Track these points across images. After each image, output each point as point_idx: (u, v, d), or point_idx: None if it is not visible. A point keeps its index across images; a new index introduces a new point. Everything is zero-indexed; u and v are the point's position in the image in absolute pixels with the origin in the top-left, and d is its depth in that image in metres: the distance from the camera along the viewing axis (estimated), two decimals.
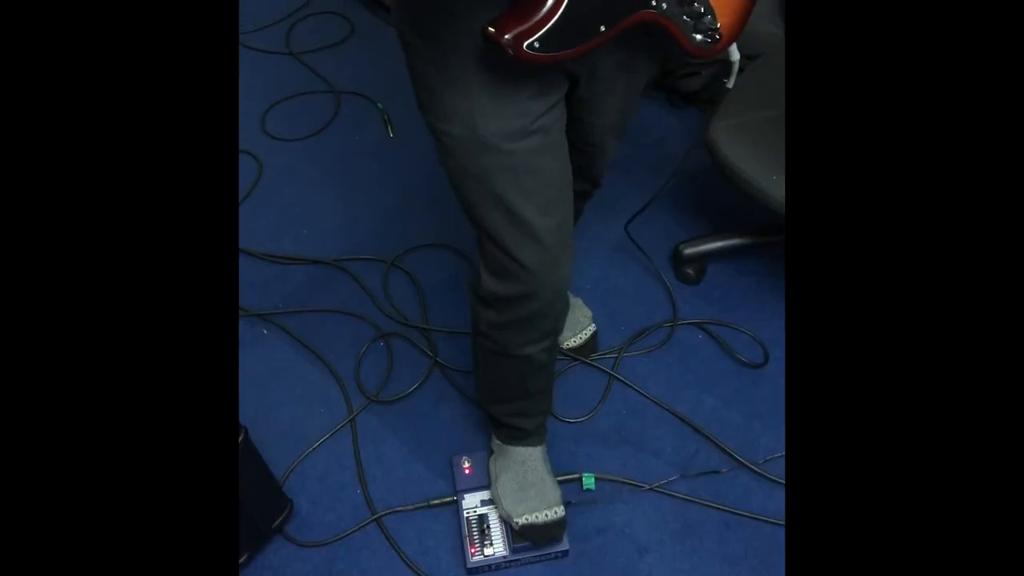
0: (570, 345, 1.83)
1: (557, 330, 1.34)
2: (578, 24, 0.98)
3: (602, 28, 1.00)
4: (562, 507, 1.53)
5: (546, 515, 1.52)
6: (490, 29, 0.96)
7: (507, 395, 1.47)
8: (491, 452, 1.61)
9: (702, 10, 1.09)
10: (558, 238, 1.19)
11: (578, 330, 1.84)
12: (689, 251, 1.99)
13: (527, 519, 1.51)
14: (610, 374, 1.81)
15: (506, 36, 0.95)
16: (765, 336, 1.87)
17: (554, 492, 1.53)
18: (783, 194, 1.60)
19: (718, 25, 1.11)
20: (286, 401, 1.78)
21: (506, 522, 1.54)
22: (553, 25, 0.95)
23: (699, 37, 1.11)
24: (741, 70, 2.22)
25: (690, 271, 1.99)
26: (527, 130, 1.11)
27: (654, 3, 1.04)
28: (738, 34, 1.18)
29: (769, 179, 1.64)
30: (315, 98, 2.53)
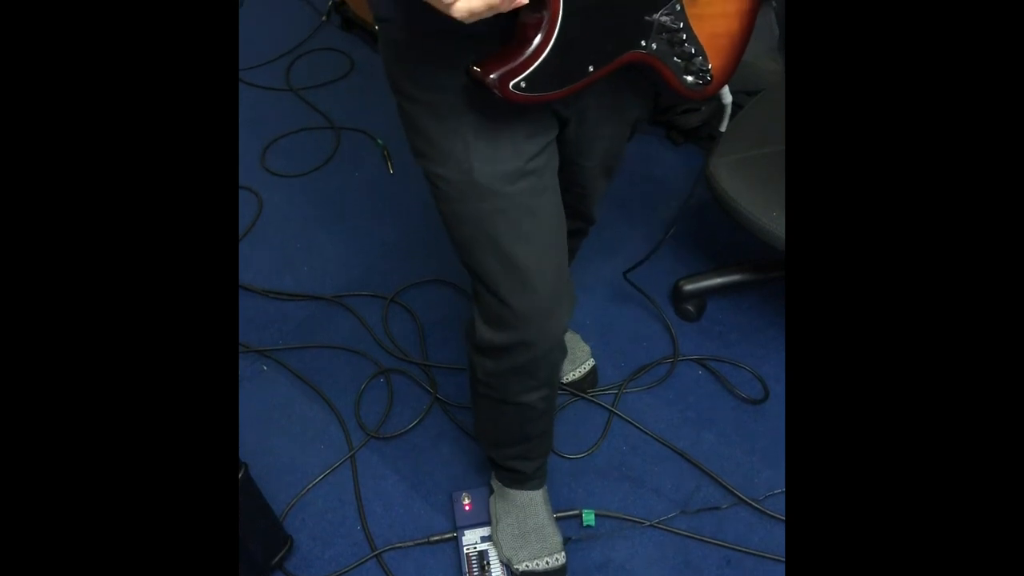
0: (569, 379, 1.88)
1: (556, 378, 1.37)
2: (566, 64, 0.99)
3: (590, 68, 1.02)
4: (563, 553, 1.57)
5: (547, 562, 1.56)
6: (475, 68, 0.98)
7: (506, 440, 1.51)
8: (491, 490, 1.65)
9: (693, 51, 1.10)
10: (554, 286, 1.22)
11: (577, 364, 1.89)
12: (689, 287, 2.03)
13: (527, 566, 1.55)
14: (610, 410, 1.85)
15: (491, 76, 0.96)
16: (765, 372, 1.92)
17: (555, 537, 1.57)
18: (783, 230, 1.64)
19: (709, 67, 1.13)
20: (286, 437, 1.82)
21: (507, 566, 1.58)
22: (539, 65, 0.97)
23: (690, 79, 1.13)
24: (739, 107, 2.29)
25: (690, 307, 2.04)
26: (522, 172, 1.13)
27: (643, 44, 1.05)
28: (730, 76, 1.20)
29: (769, 215, 1.68)
30: (315, 134, 2.59)
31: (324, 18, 3.01)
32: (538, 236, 1.18)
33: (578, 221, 1.52)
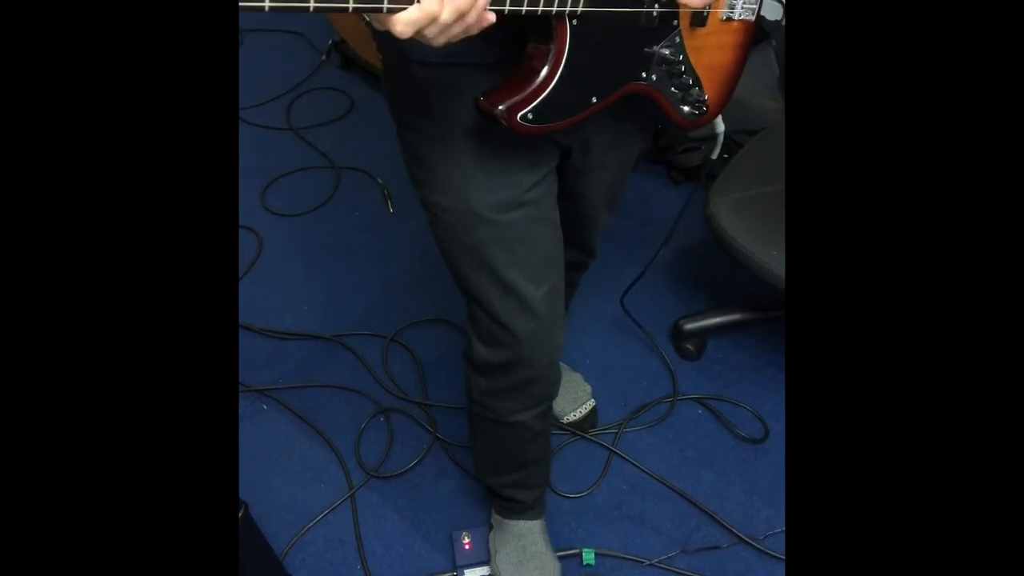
0: (569, 419, 1.92)
1: (550, 396, 1.42)
2: (570, 96, 1.03)
3: (594, 100, 1.06)
4: None
5: None
6: (482, 100, 1.01)
7: (504, 465, 1.56)
8: (491, 527, 1.69)
9: (690, 82, 1.15)
10: (549, 307, 1.26)
11: (577, 404, 1.94)
12: (689, 326, 2.09)
13: None
14: (610, 449, 1.90)
15: (499, 107, 1.00)
16: (765, 411, 1.97)
17: (553, 566, 1.62)
18: (783, 269, 1.68)
19: (705, 97, 1.18)
20: (286, 476, 1.87)
21: None
22: (546, 97, 1.00)
23: (687, 109, 1.17)
24: (739, 146, 2.35)
25: (690, 346, 2.09)
26: (518, 201, 1.18)
27: (644, 75, 1.10)
28: (724, 106, 1.25)
29: (769, 254, 1.73)
30: (315, 174, 2.66)
31: (324, 57, 3.09)
32: (533, 261, 1.23)
33: (580, 254, 1.57)
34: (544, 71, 1.00)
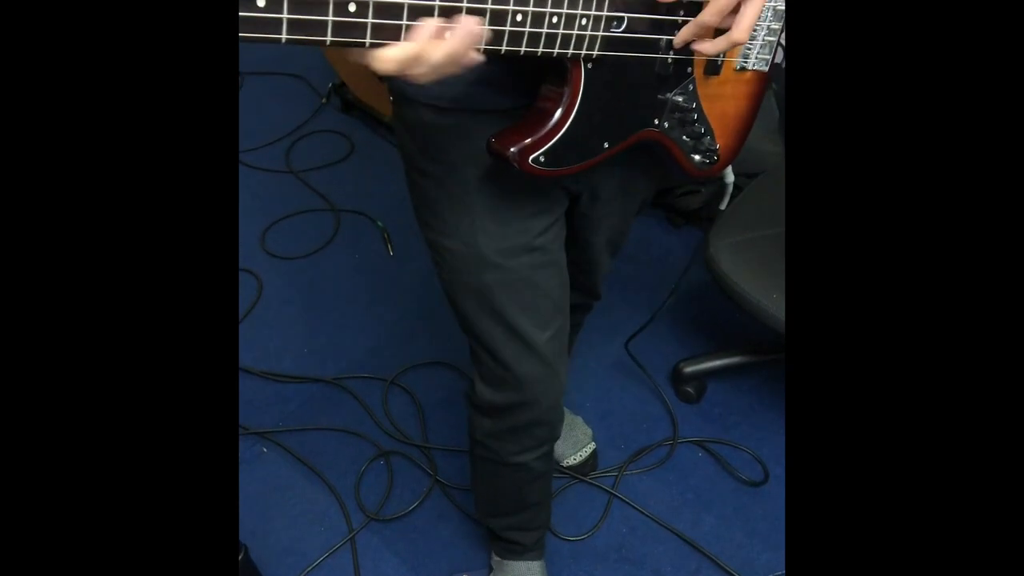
0: (570, 463, 1.98)
1: (553, 438, 1.45)
2: (583, 140, 1.04)
3: (606, 145, 1.07)
4: None
5: None
6: (494, 141, 1.02)
7: (505, 507, 1.60)
8: (490, 569, 1.74)
9: (702, 130, 1.16)
10: (554, 350, 1.29)
11: (578, 448, 1.99)
12: (689, 369, 2.15)
13: None
14: (610, 492, 1.95)
15: (511, 150, 1.00)
16: (765, 454, 2.02)
17: None
18: (783, 312, 1.73)
19: (717, 146, 1.19)
20: (286, 519, 1.92)
21: None
22: (558, 140, 1.01)
23: (698, 158, 1.18)
24: (739, 189, 2.42)
25: (690, 389, 2.15)
26: (528, 247, 1.20)
27: (656, 122, 1.11)
28: (735, 156, 1.27)
29: (769, 297, 1.78)
30: (315, 216, 2.73)
31: (324, 100, 3.17)
32: (541, 307, 1.25)
33: (584, 296, 1.61)
34: (558, 114, 1.02)
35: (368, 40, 0.80)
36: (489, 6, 0.86)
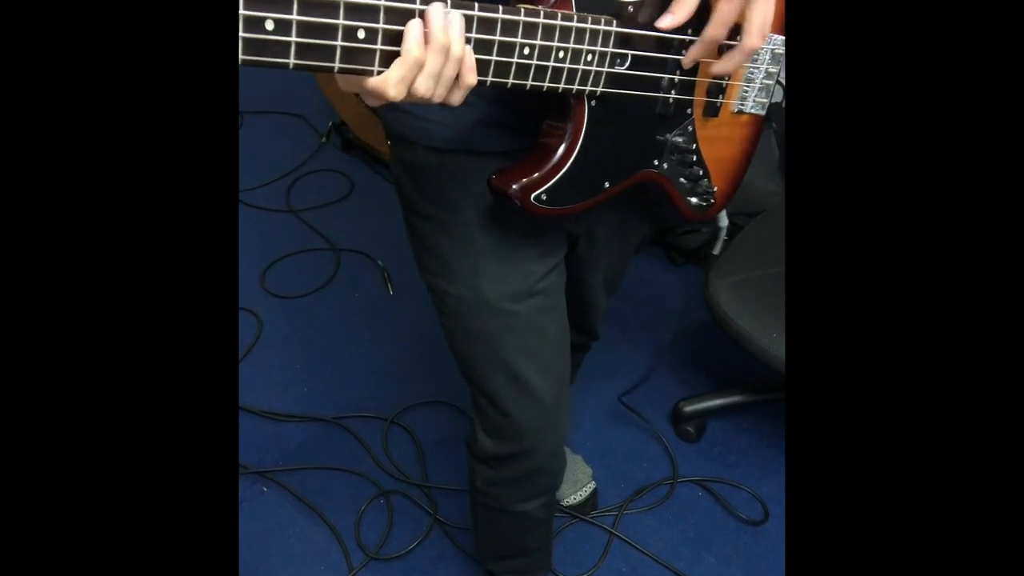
0: (570, 502, 2.02)
1: (555, 486, 1.48)
2: (585, 179, 1.05)
3: (607, 184, 1.08)
4: None
5: None
6: (495, 178, 1.03)
7: (506, 551, 1.63)
8: None
9: (700, 173, 1.17)
10: (556, 397, 1.31)
11: (578, 487, 2.03)
12: (689, 409, 2.20)
13: None
14: (610, 532, 1.99)
15: (513, 187, 1.01)
16: (765, 493, 2.07)
17: None
18: (783, 352, 1.77)
19: (714, 189, 1.20)
20: (286, 558, 1.96)
21: None
22: (561, 178, 1.02)
23: (695, 200, 1.20)
24: (739, 228, 2.47)
25: (690, 428, 2.19)
26: (531, 291, 1.21)
27: (656, 163, 1.12)
28: (730, 199, 1.28)
29: (769, 336, 1.83)
30: (315, 255, 2.78)
31: (324, 139, 3.23)
32: (543, 352, 1.27)
33: (582, 335, 1.64)
34: (560, 151, 1.03)
35: (376, 68, 0.81)
36: (497, 37, 0.88)
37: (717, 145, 1.20)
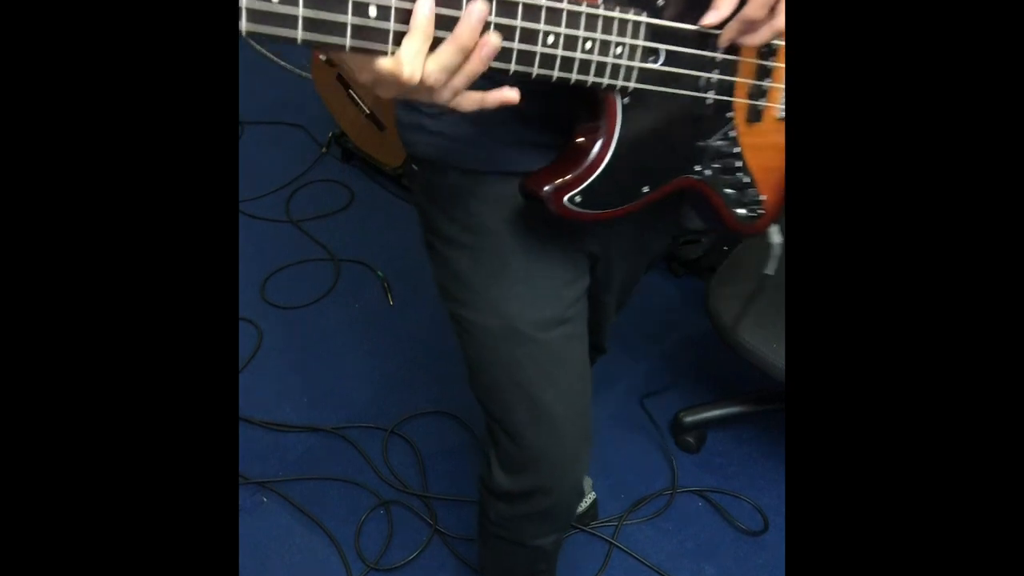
0: None
1: (571, 520, 1.43)
2: (622, 181, 1.01)
3: (645, 189, 1.04)
4: None
5: None
6: (527, 181, 0.99)
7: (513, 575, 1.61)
8: None
9: (746, 181, 1.12)
10: (578, 431, 1.27)
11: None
12: (689, 419, 2.21)
13: None
14: (610, 542, 2.00)
15: (545, 188, 0.97)
16: (765, 504, 2.08)
17: None
18: (783, 362, 1.79)
19: (762, 199, 1.15)
20: (286, 568, 1.97)
21: None
22: (596, 179, 0.98)
23: (742, 211, 1.14)
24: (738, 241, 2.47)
25: (690, 439, 2.20)
26: (560, 318, 1.18)
27: (697, 169, 1.07)
28: (780, 212, 1.21)
29: (770, 347, 1.85)
30: (315, 266, 2.79)
31: (324, 150, 3.23)
32: (567, 382, 1.23)
33: (591, 351, 1.61)
34: (595, 150, 0.99)
35: (390, 48, 0.78)
36: (519, 23, 0.84)
37: (765, 154, 1.14)
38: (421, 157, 1.16)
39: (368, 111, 2.84)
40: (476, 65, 0.81)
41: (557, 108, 1.02)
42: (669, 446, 2.22)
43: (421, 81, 0.79)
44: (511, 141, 1.08)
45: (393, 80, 0.79)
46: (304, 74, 3.39)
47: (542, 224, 1.13)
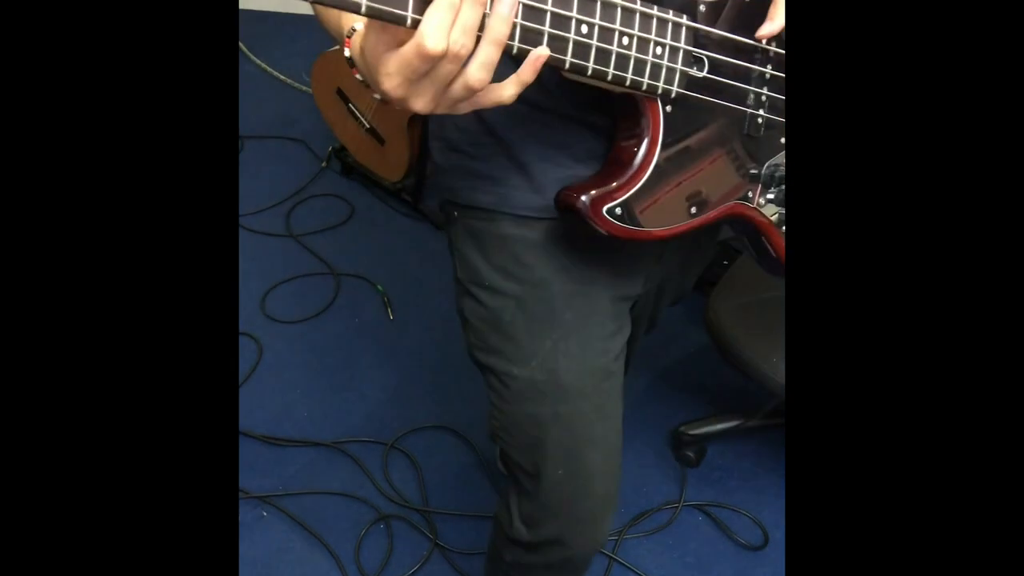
0: None
1: (586, 571, 1.38)
2: (667, 198, 0.95)
3: (693, 210, 0.98)
4: None
5: None
6: (564, 192, 0.94)
7: None
8: None
9: None
10: (610, 487, 1.22)
11: None
12: (689, 433, 2.22)
13: None
14: (610, 556, 2.01)
15: (582, 198, 0.92)
16: (765, 518, 2.09)
17: None
18: (783, 376, 1.79)
19: None
20: None
21: None
22: (638, 190, 0.93)
23: None
24: (737, 252, 2.48)
25: (690, 453, 2.21)
26: (607, 371, 1.13)
27: (750, 195, 1.02)
28: None
29: (769, 361, 1.85)
30: (315, 280, 2.80)
31: (324, 164, 3.25)
32: (606, 440, 1.18)
33: None
34: (638, 158, 0.93)
35: (410, 15, 0.72)
36: (549, 8, 0.80)
37: None
38: (465, 203, 1.11)
39: (368, 125, 2.86)
40: (499, 24, 0.74)
41: (611, 146, 0.99)
42: (669, 460, 2.23)
43: (446, 50, 0.72)
44: (564, 184, 1.01)
45: (415, 57, 0.72)
46: (304, 88, 3.42)
47: (591, 266, 1.09)
